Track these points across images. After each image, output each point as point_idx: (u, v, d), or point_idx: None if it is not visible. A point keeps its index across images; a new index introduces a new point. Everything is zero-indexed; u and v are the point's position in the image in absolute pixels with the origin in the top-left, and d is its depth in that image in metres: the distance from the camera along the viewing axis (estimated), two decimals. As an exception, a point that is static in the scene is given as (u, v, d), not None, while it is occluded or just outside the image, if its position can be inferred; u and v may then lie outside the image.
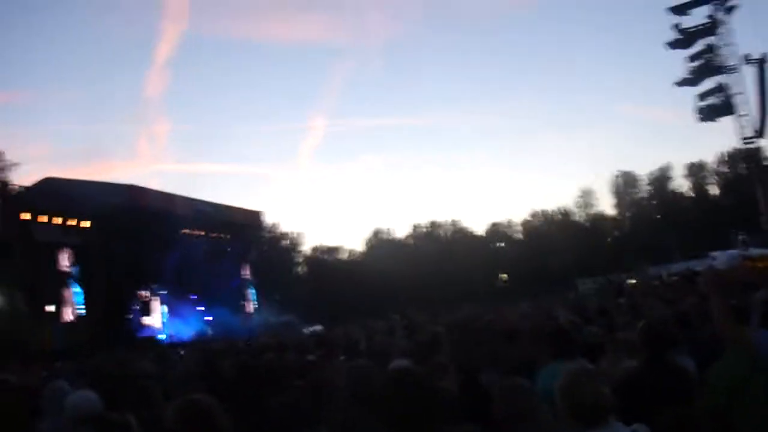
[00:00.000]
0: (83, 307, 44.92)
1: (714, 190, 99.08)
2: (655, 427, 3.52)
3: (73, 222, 44.11)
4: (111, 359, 23.13)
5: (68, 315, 43.68)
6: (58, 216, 42.99)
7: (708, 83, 60.28)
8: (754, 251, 51.15)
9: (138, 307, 50.01)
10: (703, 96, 60.24)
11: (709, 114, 59.87)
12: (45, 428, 6.01)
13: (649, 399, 4.51)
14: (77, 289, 45.28)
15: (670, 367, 5.24)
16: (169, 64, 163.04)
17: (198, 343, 39.33)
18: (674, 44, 60.86)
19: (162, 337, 49.33)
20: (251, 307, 63.64)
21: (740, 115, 59.77)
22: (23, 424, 5.37)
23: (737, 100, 59.37)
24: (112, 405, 6.04)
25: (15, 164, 63.29)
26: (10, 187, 52.78)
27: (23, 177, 50.88)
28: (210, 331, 53.48)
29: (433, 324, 17.87)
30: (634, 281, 49.71)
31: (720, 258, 52.05)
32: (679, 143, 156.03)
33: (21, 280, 40.80)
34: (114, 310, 46.93)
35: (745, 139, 61.30)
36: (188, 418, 3.55)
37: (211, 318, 55.70)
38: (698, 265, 38.75)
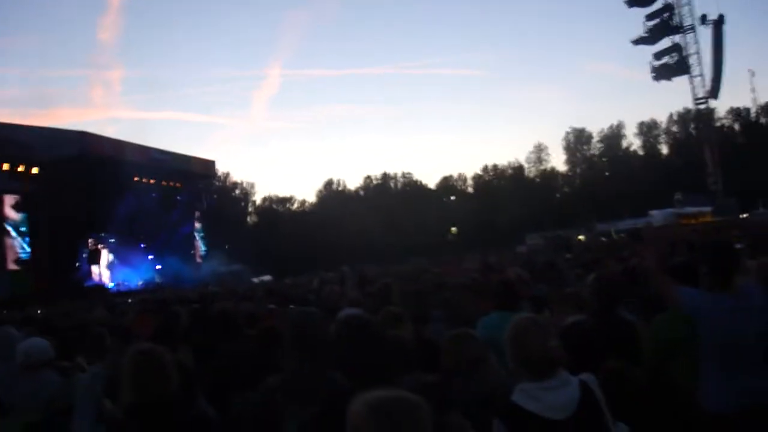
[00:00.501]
0: (29, 255, 44.31)
1: (665, 149, 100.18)
2: (600, 377, 3.62)
3: (21, 168, 43.34)
4: (59, 308, 23.08)
5: (10, 264, 43.04)
6: (5, 162, 42.21)
7: (664, 42, 60.90)
8: (689, 209, 52.22)
9: (86, 256, 49.45)
10: (658, 55, 60.85)
11: (663, 73, 60.55)
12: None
13: (597, 351, 4.63)
14: (22, 237, 44.59)
15: (618, 321, 5.37)
16: (123, 9, 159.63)
17: (147, 292, 39.21)
18: (633, 2, 61.23)
19: (110, 285, 48.96)
20: (200, 256, 63.38)
21: (694, 76, 60.57)
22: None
23: (692, 61, 60.09)
24: (65, 354, 6.07)
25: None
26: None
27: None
28: (159, 280, 53.30)
29: (383, 276, 18.03)
30: (582, 237, 50.39)
31: (657, 216, 53.11)
32: (633, 102, 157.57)
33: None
34: (61, 258, 46.46)
35: (697, 99, 62.10)
36: (141, 366, 3.60)
37: (160, 267, 55.41)
38: (640, 223, 39.32)
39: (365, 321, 3.30)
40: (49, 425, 4.66)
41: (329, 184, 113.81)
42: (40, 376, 4.86)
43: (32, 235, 44.29)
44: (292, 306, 9.38)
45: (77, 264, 48.33)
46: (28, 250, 44.19)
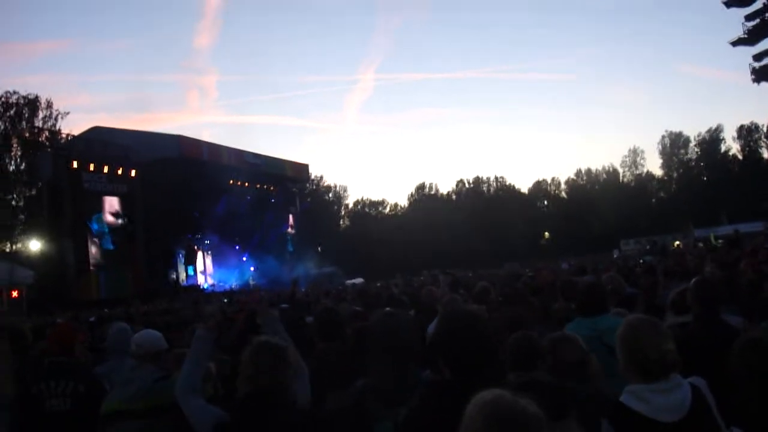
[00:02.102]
0: (129, 255, 45.36)
1: (766, 154, 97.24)
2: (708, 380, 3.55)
3: (120, 171, 44.48)
4: (158, 307, 23.68)
5: (110, 264, 44.13)
6: (106, 164, 43.36)
7: (765, 43, 59.09)
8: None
9: (182, 257, 50.49)
10: (759, 56, 59.07)
11: (764, 75, 58.70)
12: (107, 367, 6.23)
13: (698, 355, 4.54)
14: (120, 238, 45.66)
15: (720, 325, 5.28)
16: (220, 15, 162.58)
17: (242, 293, 39.77)
18: (732, 2, 59.58)
19: (205, 286, 49.85)
20: (294, 258, 64.03)
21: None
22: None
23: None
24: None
25: (64, 113, 64.28)
26: (59, 135, 53.49)
27: (72, 126, 51.43)
28: (253, 281, 54.04)
29: (476, 279, 17.97)
30: (678, 243, 49.34)
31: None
32: (732, 105, 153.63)
33: (69, 227, 41.36)
34: (158, 259, 47.53)
35: (799, 102, 60.13)
36: (267, 355, 3.70)
37: (254, 268, 56.18)
38: (746, 228, 38.27)
39: (474, 314, 3.28)
40: (151, 417, 4.83)
41: (421, 188, 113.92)
42: (147, 370, 5.01)
43: (130, 236, 45.34)
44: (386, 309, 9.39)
45: (174, 264, 49.32)
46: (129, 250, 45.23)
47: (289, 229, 64.56)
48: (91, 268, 42.56)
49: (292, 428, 3.56)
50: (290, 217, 65.18)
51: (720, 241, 38.05)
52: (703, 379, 3.53)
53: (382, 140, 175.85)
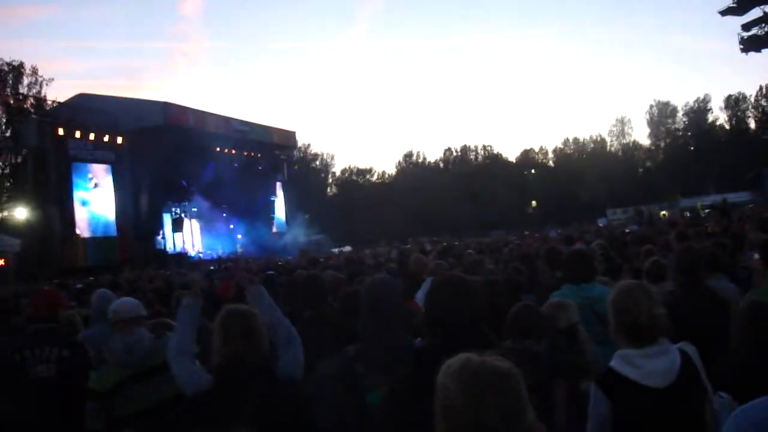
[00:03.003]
0: (115, 222, 45.25)
1: (753, 124, 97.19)
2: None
3: (107, 138, 44.16)
4: (145, 274, 23.67)
5: (97, 232, 44.04)
6: (91, 132, 43.03)
7: (754, 13, 58.92)
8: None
9: (169, 224, 50.35)
10: (747, 26, 58.93)
11: (752, 45, 58.61)
12: (91, 333, 6.21)
13: (684, 321, 4.55)
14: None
15: (705, 293, 5.29)
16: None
17: (229, 260, 39.75)
18: (720, -29, 59.35)
19: (192, 254, 49.78)
20: (282, 225, 63.92)
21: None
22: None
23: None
24: (152, 315, 6.25)
25: (49, 80, 63.74)
26: (44, 102, 53.12)
27: (58, 92, 51.06)
28: (240, 249, 54.01)
29: (464, 247, 17.98)
30: (665, 212, 49.49)
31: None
32: (720, 75, 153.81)
33: (55, 194, 41.15)
34: (145, 226, 47.41)
35: (787, 72, 60.10)
36: (235, 323, 3.64)
37: (241, 236, 56.12)
38: (732, 198, 38.34)
39: (463, 280, 3.26)
40: (142, 381, 4.87)
41: (409, 156, 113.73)
42: (132, 333, 5.00)
43: (117, 203, 45.17)
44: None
45: (161, 232, 49.21)
46: (115, 218, 45.10)
47: (277, 197, 64.30)
48: (78, 235, 42.39)
49: (269, 398, 3.52)
50: (277, 184, 64.90)
51: (707, 210, 38.19)
52: (691, 344, 3.53)
53: (370, 109, 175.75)
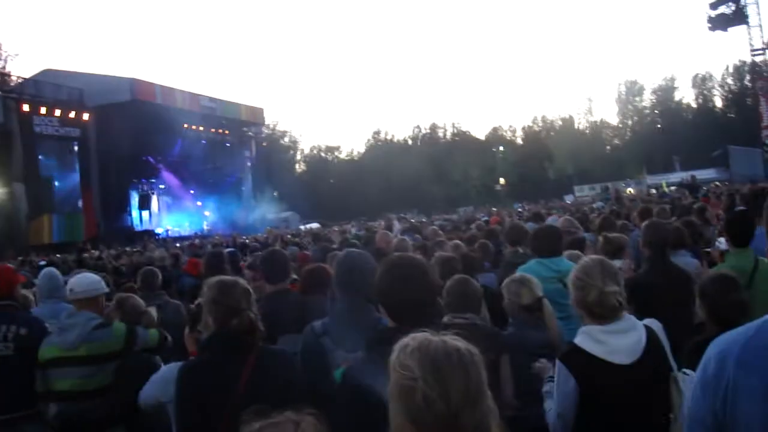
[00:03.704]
0: (81, 200, 44.91)
1: (719, 102, 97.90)
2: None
3: (73, 114, 43.67)
4: (111, 252, 23.55)
5: (63, 209, 43.72)
6: (57, 108, 42.54)
7: (721, -9, 59.16)
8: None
9: (136, 201, 50.04)
10: (715, 5, 59.21)
11: (719, 23, 58.92)
12: (39, 311, 6.11)
13: (651, 297, 4.57)
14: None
15: (671, 269, 5.33)
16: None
17: (196, 238, 39.62)
18: (687, -51, 59.42)
19: (159, 231, 49.49)
20: (250, 202, 63.74)
21: (752, 26, 58.90)
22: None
23: (750, 11, 58.38)
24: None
25: (14, 55, 62.82)
26: (8, 78, 52.35)
27: (23, 68, 50.37)
28: (208, 226, 53.84)
29: (430, 224, 18.00)
30: (631, 190, 49.87)
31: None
32: (687, 54, 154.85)
33: (21, 172, 40.70)
34: (112, 204, 47.11)
35: (754, 51, 60.59)
36: (221, 290, 3.57)
37: (209, 213, 55.91)
38: (699, 175, 38.64)
39: (415, 261, 3.22)
40: (72, 365, 4.87)
41: (377, 133, 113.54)
42: (76, 315, 5.01)
43: (83, 180, 44.82)
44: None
45: (128, 209, 48.90)
46: (81, 195, 44.77)
47: (245, 174, 64.04)
48: (44, 212, 42.03)
49: (263, 368, 3.48)
50: (246, 161, 64.61)
51: (672, 187, 38.53)
52: (657, 321, 3.53)
53: (339, 86, 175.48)
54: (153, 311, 5.65)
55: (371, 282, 3.55)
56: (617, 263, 5.73)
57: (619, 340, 3.25)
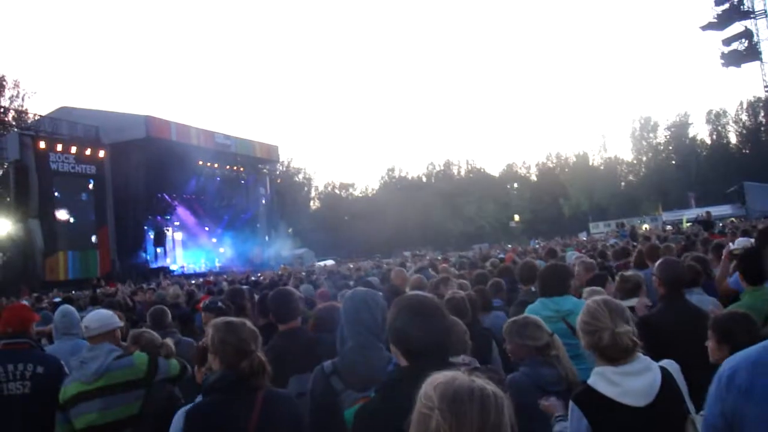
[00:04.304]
0: (96, 236, 45.13)
1: (734, 138, 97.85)
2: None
3: (89, 151, 44.01)
4: (126, 288, 23.54)
5: (78, 245, 43.90)
6: (73, 145, 42.89)
7: (734, 28, 59.36)
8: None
9: (151, 238, 50.16)
10: (728, 41, 59.33)
11: (732, 60, 59.00)
12: (55, 348, 6.13)
13: (666, 337, 4.53)
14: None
15: (686, 307, 5.28)
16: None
17: (210, 275, 39.65)
18: (700, -14, 59.66)
19: (174, 268, 49.54)
20: (264, 240, 63.80)
21: (765, 62, 58.94)
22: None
23: (763, 47, 58.48)
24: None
25: (32, 93, 63.43)
26: (26, 115, 52.83)
27: (40, 105, 50.76)
28: (223, 263, 53.86)
29: (445, 261, 17.98)
30: (647, 226, 49.71)
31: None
32: (701, 90, 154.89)
33: (37, 208, 40.94)
34: (127, 240, 47.22)
35: (767, 86, 60.58)
36: (229, 331, 3.57)
37: (224, 249, 55.98)
38: (714, 212, 38.49)
39: (429, 300, 3.21)
40: (97, 397, 4.80)
41: (391, 170, 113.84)
42: (94, 348, 4.97)
43: (99, 217, 45.07)
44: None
45: (143, 246, 49.00)
46: (96, 231, 45.01)
47: (259, 211, 64.17)
48: (59, 249, 42.24)
49: (269, 412, 3.47)
50: (260, 198, 64.79)
51: (689, 224, 38.36)
52: (675, 362, 3.51)
53: (353, 123, 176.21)
54: (170, 342, 5.65)
55: (380, 321, 3.55)
56: (633, 301, 5.70)
57: (633, 382, 3.21)
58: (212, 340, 3.60)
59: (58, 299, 16.71)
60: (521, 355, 4.60)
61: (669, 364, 3.45)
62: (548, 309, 5.52)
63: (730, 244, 7.67)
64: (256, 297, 8.03)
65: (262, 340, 3.70)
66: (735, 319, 4.01)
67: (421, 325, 2.96)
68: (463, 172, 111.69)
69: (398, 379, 2.78)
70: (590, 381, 3.32)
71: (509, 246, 36.11)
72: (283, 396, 3.71)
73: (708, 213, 32.29)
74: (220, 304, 6.74)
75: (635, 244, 17.75)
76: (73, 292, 24.81)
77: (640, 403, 3.19)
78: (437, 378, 1.95)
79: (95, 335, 5.03)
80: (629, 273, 6.82)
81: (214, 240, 56.14)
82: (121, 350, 5.13)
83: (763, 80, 59.96)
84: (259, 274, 31.97)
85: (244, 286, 11.76)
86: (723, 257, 6.93)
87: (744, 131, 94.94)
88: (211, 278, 31.50)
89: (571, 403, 3.33)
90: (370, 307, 3.68)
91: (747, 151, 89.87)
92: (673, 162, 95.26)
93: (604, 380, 3.25)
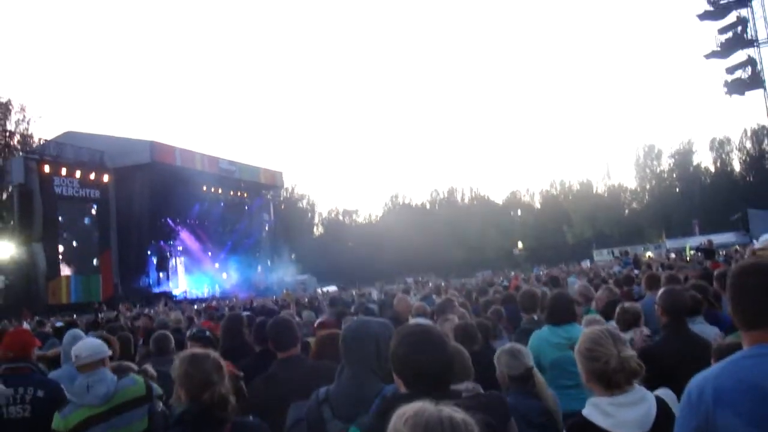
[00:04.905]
0: (99, 260, 45.19)
1: (737, 166, 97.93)
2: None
3: (93, 176, 44.17)
4: (128, 314, 23.54)
5: (81, 270, 43.95)
6: (78, 169, 43.05)
7: (738, 56, 59.43)
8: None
9: (155, 263, 50.19)
10: (731, 69, 59.39)
11: (736, 88, 59.02)
12: (60, 373, 6.13)
13: (668, 367, 4.51)
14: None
15: (688, 337, 5.26)
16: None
17: (213, 300, 39.63)
18: (705, 15, 59.92)
19: (177, 293, 49.52)
20: (267, 265, 63.79)
21: (769, 90, 58.94)
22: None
23: (766, 75, 58.52)
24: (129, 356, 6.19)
25: (37, 117, 63.63)
26: (31, 139, 53.04)
27: (45, 130, 51.02)
28: (226, 288, 53.81)
29: (447, 288, 17.96)
30: (650, 254, 49.63)
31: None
32: (705, 118, 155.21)
33: (40, 232, 41.00)
34: (130, 265, 47.23)
35: (771, 115, 60.57)
36: (192, 363, 3.59)
37: (227, 275, 55.94)
38: (718, 239, 38.47)
39: (431, 329, 3.21)
40: (105, 420, 4.79)
41: (395, 197, 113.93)
42: (94, 373, 4.93)
43: (102, 241, 45.15)
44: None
45: (146, 270, 49.00)
46: (100, 255, 45.10)
47: (263, 236, 64.22)
48: (62, 273, 42.30)
49: None
50: (264, 224, 64.87)
51: (693, 252, 38.29)
52: (671, 391, 3.48)
53: (357, 149, 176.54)
54: (149, 368, 5.69)
55: (373, 351, 3.54)
56: (638, 331, 5.69)
57: (628, 413, 3.18)
58: (178, 372, 3.62)
59: (59, 323, 16.72)
60: (504, 384, 4.61)
61: (665, 393, 3.43)
62: (558, 336, 5.54)
63: (754, 241, 7.69)
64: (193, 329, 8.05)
65: (259, 367, 3.71)
66: (737, 350, 3.99)
67: (423, 354, 2.95)
68: (467, 199, 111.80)
69: (396, 406, 2.77)
70: (584, 412, 3.29)
71: (513, 273, 36.03)
72: (250, 426, 3.72)
73: (710, 241, 32.20)
74: (207, 333, 6.71)
75: (637, 272, 17.72)
76: (75, 315, 24.80)
77: None
78: (405, 411, 1.93)
79: (85, 364, 5.01)
80: (628, 304, 6.82)
81: (217, 265, 56.16)
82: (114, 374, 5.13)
83: (767, 108, 60.01)
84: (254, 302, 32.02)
85: (245, 312, 11.73)
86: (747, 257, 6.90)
87: (748, 159, 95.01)
88: (214, 303, 31.49)
89: None
90: (362, 338, 3.66)
91: (751, 179, 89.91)
92: (677, 189, 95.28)
93: (599, 411, 3.23)
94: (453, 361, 3.16)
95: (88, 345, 5.22)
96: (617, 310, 6.62)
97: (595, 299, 8.78)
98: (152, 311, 23.97)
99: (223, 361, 3.73)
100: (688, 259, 29.40)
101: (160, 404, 5.14)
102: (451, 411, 1.91)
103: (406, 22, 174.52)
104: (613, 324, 5.75)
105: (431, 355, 2.96)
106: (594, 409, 3.25)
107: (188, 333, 7.95)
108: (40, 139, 50.95)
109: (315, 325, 8.55)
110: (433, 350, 2.98)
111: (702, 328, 5.94)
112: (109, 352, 5.38)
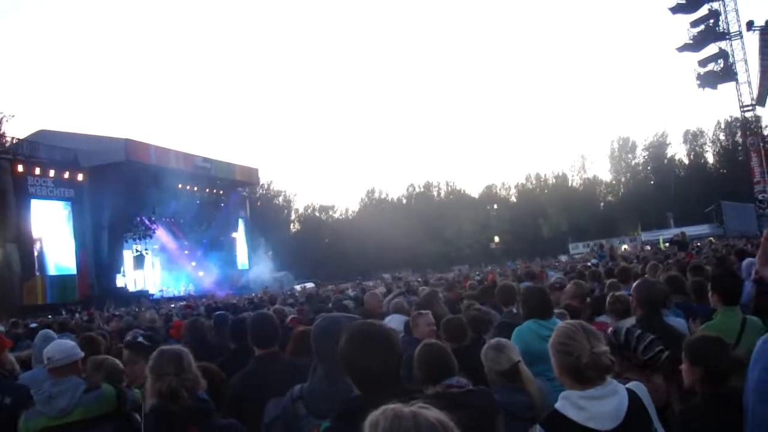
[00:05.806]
0: (75, 260, 44.88)
1: (711, 158, 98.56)
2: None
3: (67, 175, 43.84)
4: (102, 314, 23.38)
5: (55, 269, 43.62)
6: (51, 168, 42.73)
7: (710, 49, 59.94)
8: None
9: (130, 262, 49.91)
10: (704, 62, 59.90)
11: (709, 81, 59.57)
12: (31, 375, 6.05)
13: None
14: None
15: (662, 328, 5.28)
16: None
17: (189, 299, 39.45)
18: (677, 9, 60.36)
19: (153, 292, 49.26)
20: (244, 262, 63.60)
21: (741, 83, 59.55)
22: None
23: (738, 68, 59.06)
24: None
25: (9, 116, 62.94)
26: (3, 139, 52.51)
27: (18, 129, 50.49)
28: (202, 287, 53.59)
29: (424, 283, 17.94)
30: (626, 246, 49.93)
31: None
32: (678, 110, 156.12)
33: (14, 232, 40.66)
34: (106, 264, 46.91)
35: (743, 107, 61.15)
36: (154, 359, 3.61)
37: (203, 273, 55.71)
38: (692, 231, 38.82)
39: (378, 327, 3.19)
40: (88, 428, 4.76)
41: (371, 192, 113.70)
42: (62, 382, 4.88)
43: (77, 241, 44.84)
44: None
45: (121, 270, 48.71)
46: (76, 255, 44.77)
47: (239, 234, 63.99)
48: (37, 274, 41.97)
49: None
50: (240, 221, 64.62)
51: (667, 244, 38.56)
52: (642, 384, 3.50)
53: (332, 145, 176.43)
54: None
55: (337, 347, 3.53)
56: (629, 321, 5.67)
57: (599, 406, 3.19)
58: (148, 370, 3.69)
59: (33, 324, 16.60)
60: (492, 379, 4.60)
61: (636, 386, 3.44)
62: (545, 329, 5.52)
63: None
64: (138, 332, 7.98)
65: (236, 364, 3.69)
66: (706, 343, 4.03)
67: (370, 354, 2.93)
68: (443, 194, 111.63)
69: (349, 411, 2.75)
70: (557, 405, 3.30)
71: (489, 267, 36.11)
72: (223, 428, 3.71)
73: (683, 233, 32.45)
74: (140, 339, 6.63)
75: (609, 265, 17.80)
76: (49, 316, 24.64)
77: (606, 427, 3.16)
78: (377, 417, 1.89)
79: (58, 366, 4.95)
80: (619, 293, 6.83)
81: (194, 263, 55.92)
82: (85, 384, 5.03)
83: (739, 100, 60.54)
84: (238, 297, 31.90)
85: (219, 312, 11.67)
86: (763, 239, 6.82)
87: (721, 151, 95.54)
88: (191, 302, 31.37)
89: (539, 427, 3.30)
90: (332, 335, 3.64)
91: (724, 171, 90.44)
92: (652, 182, 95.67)
93: (570, 404, 3.23)
94: (400, 359, 3.12)
95: (60, 347, 5.15)
96: (608, 299, 6.65)
97: (564, 292, 8.83)
98: (130, 311, 23.89)
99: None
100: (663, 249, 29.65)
101: (137, 416, 5.07)
102: (427, 412, 1.87)
103: (380, 18, 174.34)
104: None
105: (379, 356, 2.94)
106: (566, 403, 3.26)
107: (124, 342, 7.85)
108: (12, 139, 50.37)
109: (287, 321, 8.56)
110: (380, 350, 2.95)
111: (670, 320, 6.00)
112: (82, 354, 5.31)
